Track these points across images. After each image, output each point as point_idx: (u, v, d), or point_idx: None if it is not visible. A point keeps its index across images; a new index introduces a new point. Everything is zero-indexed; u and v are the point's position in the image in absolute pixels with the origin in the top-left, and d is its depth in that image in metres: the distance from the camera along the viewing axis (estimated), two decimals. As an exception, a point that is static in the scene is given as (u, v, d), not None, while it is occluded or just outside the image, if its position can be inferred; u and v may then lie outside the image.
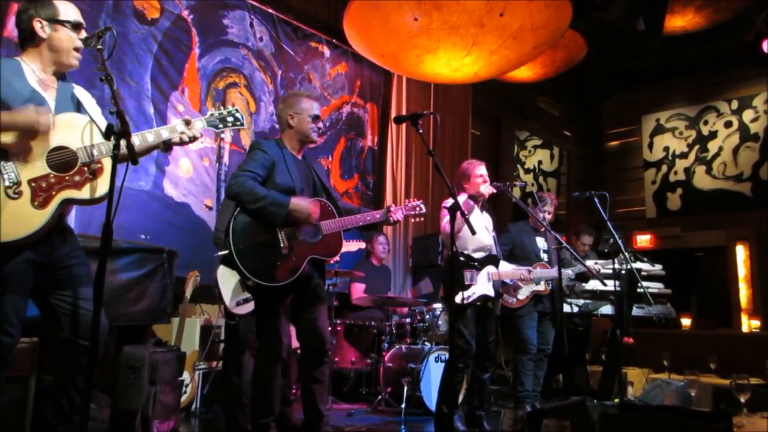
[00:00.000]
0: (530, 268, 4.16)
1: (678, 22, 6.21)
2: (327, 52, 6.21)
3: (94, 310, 1.97)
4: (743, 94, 8.71)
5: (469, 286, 3.59)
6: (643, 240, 9.14)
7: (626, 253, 4.21)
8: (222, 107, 2.52)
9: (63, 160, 2.11)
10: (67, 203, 2.13)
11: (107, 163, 2.16)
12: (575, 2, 4.79)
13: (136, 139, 2.19)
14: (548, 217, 4.50)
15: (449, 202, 3.11)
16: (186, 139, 2.31)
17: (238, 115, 2.52)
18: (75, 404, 2.17)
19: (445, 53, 4.89)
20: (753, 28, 7.03)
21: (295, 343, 3.24)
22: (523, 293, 4.32)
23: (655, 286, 5.20)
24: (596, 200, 4.06)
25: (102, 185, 2.16)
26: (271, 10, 5.61)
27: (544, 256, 4.50)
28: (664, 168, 9.29)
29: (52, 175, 2.09)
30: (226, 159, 5.17)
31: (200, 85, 5.04)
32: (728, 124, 8.81)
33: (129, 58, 4.55)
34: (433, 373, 4.38)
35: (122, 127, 1.99)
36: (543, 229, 4.40)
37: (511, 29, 4.63)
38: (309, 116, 2.99)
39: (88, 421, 1.97)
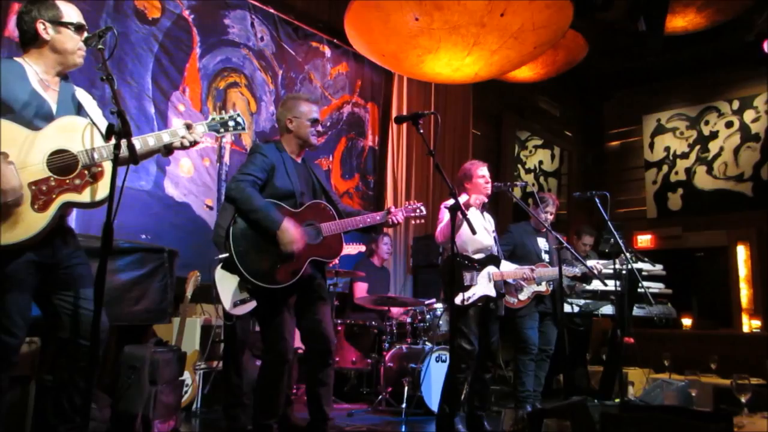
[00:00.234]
0: (533, 267, 4.15)
1: (679, 22, 6.20)
2: (328, 51, 6.21)
3: (94, 310, 1.97)
4: (744, 94, 8.70)
5: (468, 287, 3.59)
6: (644, 240, 9.13)
7: (627, 254, 4.21)
8: (224, 111, 2.51)
9: (64, 164, 2.10)
10: (67, 206, 2.13)
11: (108, 166, 2.15)
12: (576, 2, 4.79)
13: (138, 143, 2.17)
14: (550, 217, 4.50)
15: (450, 202, 3.11)
16: (187, 143, 2.30)
17: (239, 119, 2.50)
18: (75, 404, 2.16)
19: (446, 53, 4.89)
20: (754, 29, 7.02)
21: (296, 343, 3.24)
22: (525, 294, 4.32)
23: (655, 287, 5.19)
24: (597, 200, 4.06)
25: (102, 189, 2.16)
26: (272, 10, 5.61)
27: (546, 257, 4.50)
28: (665, 168, 9.28)
29: (52, 179, 2.08)
30: (226, 159, 5.17)
31: (201, 85, 5.05)
32: (729, 125, 8.80)
33: (130, 57, 4.56)
34: (433, 373, 4.38)
35: (123, 127, 1.98)
36: (544, 230, 4.40)
37: (512, 29, 4.63)
38: (308, 120, 2.98)
39: (89, 421, 1.98)
